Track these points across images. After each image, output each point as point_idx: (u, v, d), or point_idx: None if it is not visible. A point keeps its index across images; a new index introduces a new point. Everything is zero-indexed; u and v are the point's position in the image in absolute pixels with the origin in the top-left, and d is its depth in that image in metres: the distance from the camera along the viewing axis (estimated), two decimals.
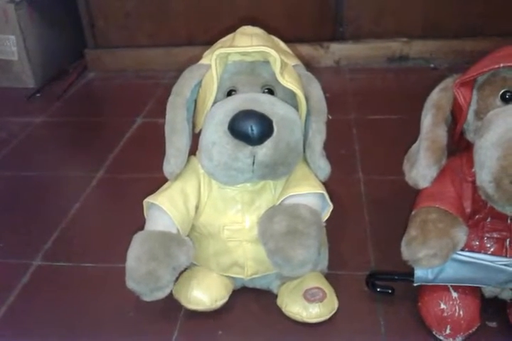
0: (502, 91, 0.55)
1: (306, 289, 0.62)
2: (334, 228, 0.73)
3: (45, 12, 1.37)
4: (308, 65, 1.42)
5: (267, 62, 0.57)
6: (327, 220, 0.68)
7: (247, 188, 0.60)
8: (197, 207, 0.61)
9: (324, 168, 0.62)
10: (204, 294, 0.62)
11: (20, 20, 1.30)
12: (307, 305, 0.61)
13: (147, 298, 0.57)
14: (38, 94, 1.33)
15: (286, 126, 0.54)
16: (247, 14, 1.35)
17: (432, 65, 1.36)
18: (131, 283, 0.56)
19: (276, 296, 0.65)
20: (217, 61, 0.55)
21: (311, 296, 0.62)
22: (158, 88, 1.31)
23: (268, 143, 0.53)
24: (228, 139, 0.53)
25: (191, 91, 0.59)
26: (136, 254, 0.56)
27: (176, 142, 0.58)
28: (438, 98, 0.58)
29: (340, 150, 0.99)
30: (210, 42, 1.36)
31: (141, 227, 0.78)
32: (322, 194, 0.59)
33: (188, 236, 0.61)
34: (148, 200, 0.60)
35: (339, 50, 1.37)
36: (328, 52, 1.37)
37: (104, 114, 1.26)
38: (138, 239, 0.57)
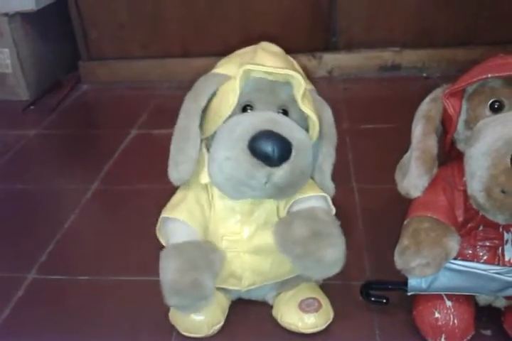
0: (491, 101, 0.55)
1: (301, 299, 0.62)
2: None
3: (39, 25, 1.37)
4: (305, 73, 1.42)
5: (286, 83, 0.57)
6: None
7: (248, 200, 0.60)
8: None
9: (332, 188, 0.64)
10: (201, 322, 0.61)
11: (14, 33, 1.30)
12: (303, 315, 0.61)
13: (190, 310, 0.57)
14: (32, 107, 1.33)
15: (303, 150, 0.55)
16: (240, 25, 1.36)
17: (424, 74, 1.37)
18: (173, 298, 0.55)
19: (271, 307, 0.65)
20: (242, 77, 0.55)
21: (306, 306, 0.62)
22: (153, 99, 1.32)
23: (285, 166, 0.54)
24: (247, 157, 0.53)
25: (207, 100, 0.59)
26: (176, 266, 0.55)
27: (188, 149, 0.58)
28: (428, 108, 0.59)
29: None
30: (204, 53, 1.37)
31: (137, 238, 0.79)
32: (325, 197, 0.61)
33: None
34: (167, 216, 0.60)
35: (332, 60, 1.38)
36: (321, 62, 1.38)
37: (99, 125, 1.26)
38: (172, 252, 0.57)
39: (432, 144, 0.58)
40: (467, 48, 1.33)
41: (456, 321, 0.58)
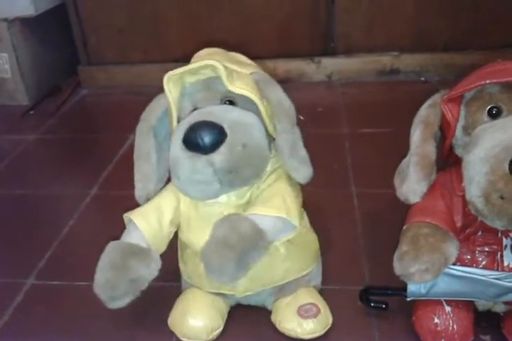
0: (489, 106, 0.55)
1: (300, 305, 0.62)
2: (327, 242, 0.73)
3: (38, 30, 1.38)
4: (301, 79, 1.44)
5: (219, 77, 0.57)
6: (320, 234, 0.69)
7: (232, 203, 0.60)
8: (174, 224, 0.62)
9: (299, 169, 0.59)
10: (200, 328, 0.61)
11: (13, 39, 1.31)
12: (301, 321, 0.61)
13: (109, 306, 0.59)
14: (32, 112, 1.33)
15: (241, 129, 0.55)
16: (239, 30, 1.36)
17: (422, 78, 1.37)
18: (95, 290, 0.58)
19: (270, 312, 0.65)
20: (170, 85, 0.56)
21: (305, 312, 0.62)
22: None
23: (222, 148, 0.53)
24: (184, 153, 0.54)
25: (158, 118, 0.61)
26: (100, 263, 0.58)
27: (142, 167, 0.61)
28: (426, 114, 0.59)
29: (333, 164, 1.00)
30: None
31: None
32: (284, 218, 0.57)
33: (188, 251, 0.62)
34: (125, 214, 0.62)
35: (331, 65, 1.39)
36: (319, 67, 1.38)
37: (98, 130, 1.26)
38: (106, 249, 0.59)
39: (431, 150, 0.58)
40: (465, 53, 1.33)
41: (455, 326, 0.58)
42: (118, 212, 0.90)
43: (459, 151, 0.59)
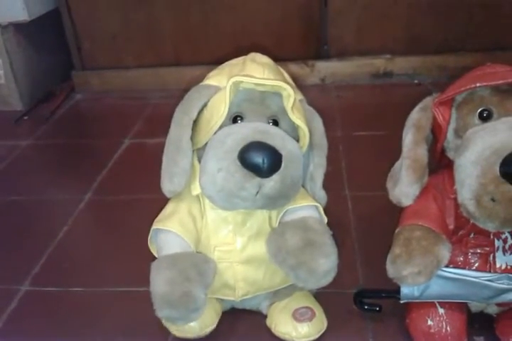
0: (480, 109, 0.56)
1: (295, 309, 0.62)
2: None
3: (32, 35, 1.38)
4: (295, 83, 1.43)
5: (275, 94, 0.58)
6: None
7: (240, 210, 0.60)
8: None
9: (324, 197, 0.65)
10: (194, 324, 0.61)
11: (7, 44, 1.30)
12: (296, 324, 0.61)
13: (182, 322, 0.57)
14: (26, 117, 1.33)
15: (293, 161, 0.56)
16: (233, 34, 1.36)
17: (416, 81, 1.38)
18: (165, 309, 0.55)
19: (265, 316, 0.65)
20: (232, 88, 0.56)
21: (300, 316, 0.62)
22: (146, 109, 1.32)
23: (276, 176, 0.54)
24: (237, 168, 0.53)
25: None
26: (167, 278, 0.55)
27: (181, 161, 0.59)
28: (418, 117, 0.60)
29: (327, 167, 1.00)
30: (197, 62, 1.38)
31: (131, 249, 0.79)
32: (317, 206, 0.61)
33: None
34: (159, 227, 0.60)
35: (324, 68, 1.39)
36: (313, 70, 1.39)
37: (92, 135, 1.26)
38: (163, 263, 0.57)
39: (422, 153, 0.59)
40: (458, 55, 1.34)
41: (448, 328, 0.58)
42: (113, 218, 0.91)
43: (450, 154, 0.59)
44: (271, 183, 0.54)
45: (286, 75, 0.63)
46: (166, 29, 1.39)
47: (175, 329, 0.62)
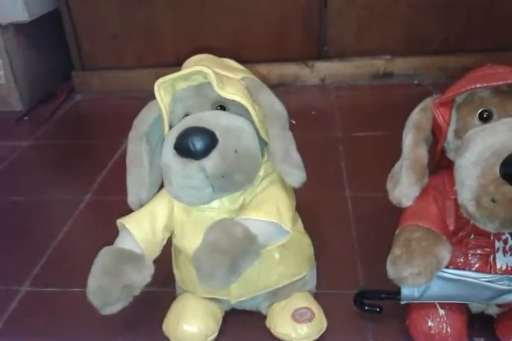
0: (480, 110, 0.56)
1: (294, 309, 0.62)
2: (322, 246, 0.73)
3: (32, 36, 1.38)
4: (295, 83, 1.45)
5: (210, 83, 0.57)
6: (315, 238, 0.69)
7: (225, 208, 0.60)
8: (167, 229, 0.62)
9: (292, 173, 0.59)
10: (195, 333, 0.61)
11: (7, 44, 1.31)
12: (296, 325, 0.61)
13: (101, 312, 0.59)
14: (26, 118, 1.33)
15: (232, 134, 0.55)
16: (233, 34, 1.37)
17: (415, 81, 1.38)
18: (88, 296, 0.58)
19: (265, 317, 0.65)
20: (161, 92, 0.57)
21: (299, 316, 0.62)
22: None
23: (213, 154, 0.53)
24: (176, 159, 0.54)
25: (150, 124, 0.61)
26: (93, 269, 0.58)
27: (134, 173, 0.61)
28: (418, 118, 0.59)
29: (327, 168, 1.00)
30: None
31: None
32: (276, 224, 0.57)
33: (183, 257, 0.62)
34: (118, 220, 0.62)
35: (324, 69, 1.39)
36: (313, 70, 1.39)
37: (92, 136, 1.26)
38: (99, 254, 0.60)
39: (423, 154, 0.59)
40: (458, 55, 1.34)
41: (449, 329, 0.58)
42: (113, 218, 0.90)
43: (450, 155, 0.59)
44: (210, 162, 0.53)
45: (231, 63, 0.63)
46: (167, 29, 1.39)
47: (173, 337, 0.62)
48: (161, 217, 0.61)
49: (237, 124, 0.56)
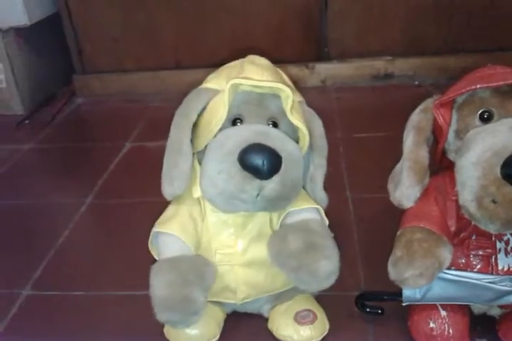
0: (480, 111, 0.56)
1: (296, 311, 0.62)
2: None
3: (33, 39, 1.38)
4: (295, 85, 1.44)
5: (274, 96, 0.58)
6: None
7: (240, 212, 0.60)
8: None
9: (324, 199, 0.65)
10: (196, 336, 0.61)
11: (8, 48, 1.31)
12: (298, 327, 0.61)
13: (183, 326, 0.57)
14: (27, 121, 1.33)
15: (293, 162, 0.55)
16: (233, 37, 1.37)
17: (416, 82, 1.38)
18: (165, 313, 0.55)
19: (267, 320, 0.65)
20: (230, 91, 0.56)
21: (301, 319, 0.62)
22: (147, 112, 1.32)
23: (276, 178, 0.54)
24: (237, 170, 0.53)
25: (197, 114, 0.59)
26: (167, 281, 0.55)
27: (182, 164, 0.58)
28: (418, 119, 0.59)
29: (327, 169, 1.00)
30: (197, 65, 1.37)
31: (132, 253, 0.79)
32: (318, 209, 0.62)
33: None
34: (159, 230, 0.60)
35: (324, 70, 1.39)
36: (313, 72, 1.39)
37: (93, 139, 1.26)
38: (163, 267, 0.57)
39: (423, 155, 0.59)
40: (458, 56, 1.34)
41: (451, 330, 0.58)
42: (114, 221, 0.91)
43: (451, 156, 0.59)
44: (271, 185, 0.54)
45: (284, 77, 0.63)
46: (167, 32, 1.39)
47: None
48: (198, 219, 0.60)
49: (297, 153, 0.57)
